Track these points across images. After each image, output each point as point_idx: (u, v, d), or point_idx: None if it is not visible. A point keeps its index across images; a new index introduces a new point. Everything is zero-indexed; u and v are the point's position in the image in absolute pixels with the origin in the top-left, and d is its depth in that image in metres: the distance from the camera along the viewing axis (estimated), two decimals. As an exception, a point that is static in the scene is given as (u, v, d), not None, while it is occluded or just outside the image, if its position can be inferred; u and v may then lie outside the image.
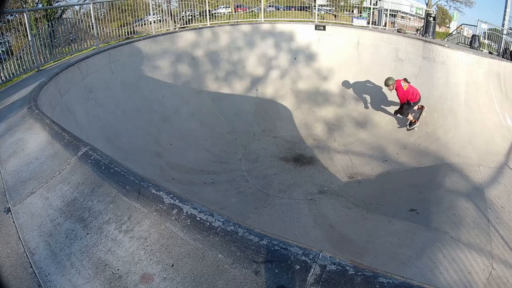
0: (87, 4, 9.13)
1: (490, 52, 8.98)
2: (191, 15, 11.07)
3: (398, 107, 7.25)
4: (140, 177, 1.94)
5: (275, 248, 1.42)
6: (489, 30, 10.03)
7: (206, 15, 10.50)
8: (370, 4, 20.65)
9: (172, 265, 1.48)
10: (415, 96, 6.91)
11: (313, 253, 1.37)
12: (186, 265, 1.46)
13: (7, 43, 7.00)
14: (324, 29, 9.52)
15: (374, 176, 6.20)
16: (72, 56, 7.02)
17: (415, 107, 7.13)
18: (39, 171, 2.30)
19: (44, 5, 16.38)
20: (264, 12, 10.99)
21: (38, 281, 1.59)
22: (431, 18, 9.73)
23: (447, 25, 31.31)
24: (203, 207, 1.67)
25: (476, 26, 10.02)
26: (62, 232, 1.79)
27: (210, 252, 1.47)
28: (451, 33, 14.22)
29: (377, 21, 11.81)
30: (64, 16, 12.43)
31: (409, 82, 7.04)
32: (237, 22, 11.13)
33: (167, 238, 1.58)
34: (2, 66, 5.39)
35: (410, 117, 7.12)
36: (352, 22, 11.52)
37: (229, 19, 13.01)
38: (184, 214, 1.64)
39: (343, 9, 19.54)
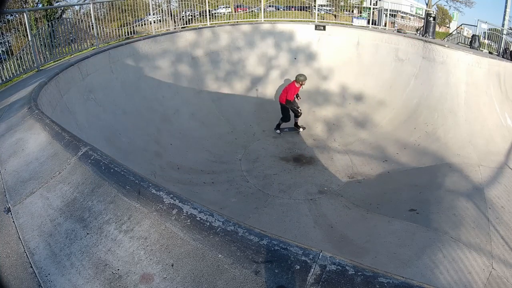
0: (87, 4, 9.13)
1: (490, 52, 8.97)
2: (191, 15, 11.07)
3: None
4: (140, 177, 1.94)
5: (275, 248, 1.42)
6: (489, 30, 10.02)
7: (206, 15, 10.50)
8: (370, 4, 20.65)
9: (172, 265, 1.48)
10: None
11: (313, 253, 1.37)
12: (186, 265, 1.46)
13: (7, 43, 7.00)
14: (324, 29, 9.52)
15: (374, 176, 6.19)
16: (72, 56, 7.02)
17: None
18: (39, 171, 2.30)
19: (44, 5, 16.38)
20: (264, 12, 10.99)
21: (38, 281, 1.59)
22: (431, 18, 9.71)
23: (447, 25, 31.31)
24: (203, 207, 1.67)
25: (476, 26, 10.01)
26: (62, 232, 1.79)
27: (210, 252, 1.47)
28: (451, 33, 14.22)
29: (377, 21, 11.80)
30: (64, 16, 12.44)
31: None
32: (237, 22, 11.13)
33: (167, 238, 1.58)
34: (2, 66, 5.39)
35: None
36: (352, 22, 11.52)
37: (229, 19, 13.01)
38: (184, 214, 1.64)
39: (343, 9, 19.56)
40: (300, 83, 7.50)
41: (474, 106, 6.76)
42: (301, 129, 7.87)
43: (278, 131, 7.87)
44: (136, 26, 9.75)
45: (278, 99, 7.71)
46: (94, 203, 1.89)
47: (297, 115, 7.66)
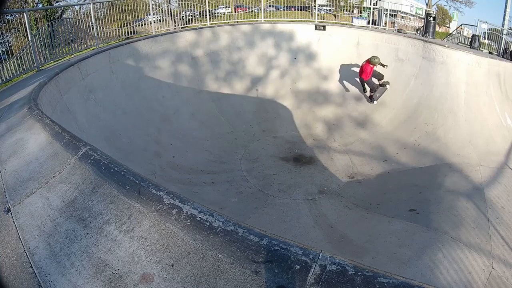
0: (87, 4, 9.13)
1: (490, 52, 8.97)
2: (191, 15, 11.07)
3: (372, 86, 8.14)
4: (140, 177, 1.94)
5: (275, 248, 1.42)
6: (489, 30, 10.02)
7: (206, 15, 10.50)
8: (370, 4, 20.64)
9: (172, 265, 1.48)
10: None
11: (313, 253, 1.37)
12: (186, 265, 1.46)
13: (7, 43, 6.99)
14: (324, 29, 9.52)
15: (374, 176, 6.19)
16: (72, 56, 7.02)
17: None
18: (39, 171, 2.30)
19: (44, 5, 16.36)
20: (264, 12, 10.99)
21: (38, 281, 1.59)
22: (431, 18, 9.71)
23: (447, 25, 31.31)
24: (203, 207, 1.67)
25: (476, 26, 10.01)
26: (62, 232, 1.79)
27: (210, 252, 1.47)
28: (451, 33, 14.21)
29: (377, 21, 11.80)
30: (64, 16, 12.44)
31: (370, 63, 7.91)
32: (237, 22, 11.13)
33: (167, 238, 1.58)
34: (2, 66, 5.39)
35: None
36: (352, 22, 11.52)
37: (229, 19, 13.00)
38: (184, 214, 1.64)
39: (343, 9, 19.56)
40: (375, 64, 7.79)
41: (474, 106, 6.76)
42: (387, 85, 8.05)
43: (375, 101, 8.21)
44: (136, 26, 9.75)
45: (359, 75, 8.25)
46: (94, 203, 1.89)
47: (381, 79, 8.03)
